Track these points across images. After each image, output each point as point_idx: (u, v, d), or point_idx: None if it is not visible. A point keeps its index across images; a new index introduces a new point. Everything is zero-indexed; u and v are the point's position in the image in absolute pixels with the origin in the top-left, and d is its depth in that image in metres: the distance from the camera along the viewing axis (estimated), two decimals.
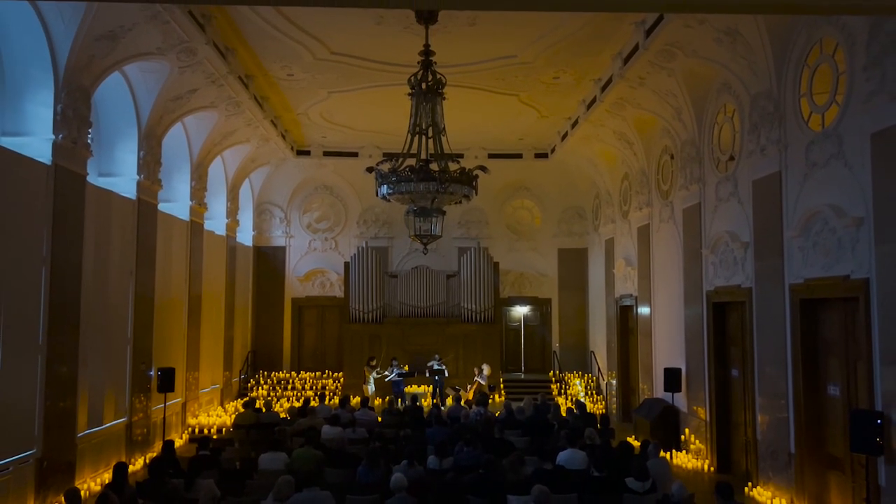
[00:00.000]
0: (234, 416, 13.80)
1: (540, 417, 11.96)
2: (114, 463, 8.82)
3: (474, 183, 10.16)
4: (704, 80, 11.77)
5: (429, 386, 17.97)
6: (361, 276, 19.60)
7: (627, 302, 16.70)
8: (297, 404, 15.04)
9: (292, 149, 19.27)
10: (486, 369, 17.60)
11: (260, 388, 19.58)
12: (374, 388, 17.32)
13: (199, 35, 10.82)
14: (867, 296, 7.78)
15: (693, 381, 12.65)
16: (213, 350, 17.03)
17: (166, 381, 12.57)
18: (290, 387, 19.64)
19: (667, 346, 14.10)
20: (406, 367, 17.61)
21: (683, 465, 12.18)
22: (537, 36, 11.93)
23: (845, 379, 8.54)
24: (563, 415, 12.44)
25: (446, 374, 17.59)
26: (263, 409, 12.73)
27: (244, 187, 19.63)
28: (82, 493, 8.61)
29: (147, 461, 11.73)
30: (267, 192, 21.13)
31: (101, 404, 11.26)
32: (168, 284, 13.90)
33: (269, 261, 21.27)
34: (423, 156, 10.16)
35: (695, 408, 12.60)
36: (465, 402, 14.08)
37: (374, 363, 17.65)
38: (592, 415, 12.50)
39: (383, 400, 16.92)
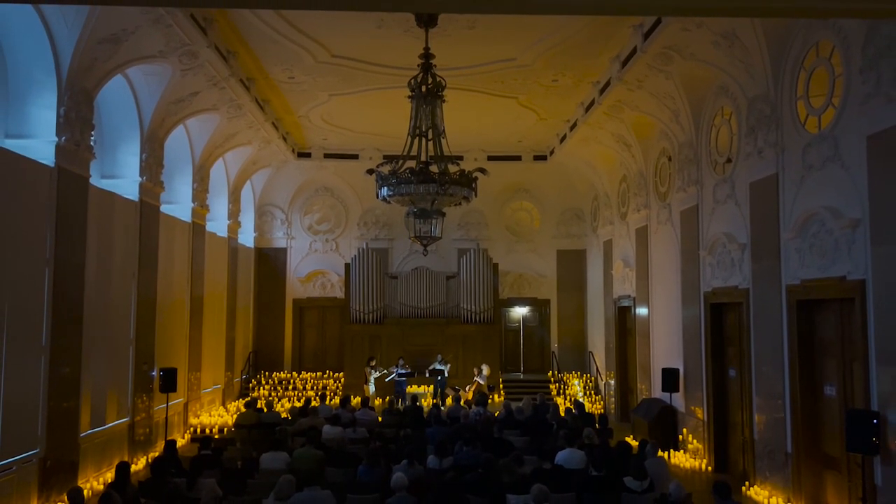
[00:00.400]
0: (235, 416, 13.88)
1: (539, 417, 12.03)
2: (116, 462, 8.93)
3: (474, 185, 10.24)
4: (702, 83, 11.85)
5: (429, 386, 18.05)
6: (362, 277, 19.69)
7: (625, 303, 16.78)
8: (298, 404, 15.13)
9: (293, 151, 19.35)
10: (485, 370, 17.69)
11: (261, 388, 19.65)
12: (374, 389, 17.40)
13: (200, 38, 10.90)
14: (863, 297, 7.85)
15: (691, 381, 12.72)
16: (214, 350, 17.11)
17: (168, 382, 12.64)
18: (291, 387, 19.71)
19: (665, 347, 14.17)
20: (407, 367, 17.68)
21: (681, 465, 12.25)
22: (536, 39, 12.01)
23: (841, 379, 8.61)
24: (562, 415, 12.51)
25: (446, 375, 17.67)
26: (265, 409, 12.82)
27: (245, 189, 19.71)
28: (85, 492, 8.69)
29: (149, 461, 11.81)
30: (268, 193, 21.22)
31: (103, 404, 11.32)
32: (170, 285, 13.98)
33: (270, 262, 21.36)
34: (422, 158, 10.23)
35: (692, 408, 12.68)
36: (465, 402, 14.16)
37: (373, 363, 17.73)
38: (591, 415, 12.59)
39: (383, 400, 17.00)
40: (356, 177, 19.77)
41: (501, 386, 19.35)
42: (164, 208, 13.56)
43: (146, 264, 12.69)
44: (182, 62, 11.45)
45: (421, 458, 8.70)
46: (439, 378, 17.34)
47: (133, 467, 11.29)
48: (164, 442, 10.88)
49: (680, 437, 13.18)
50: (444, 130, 10.46)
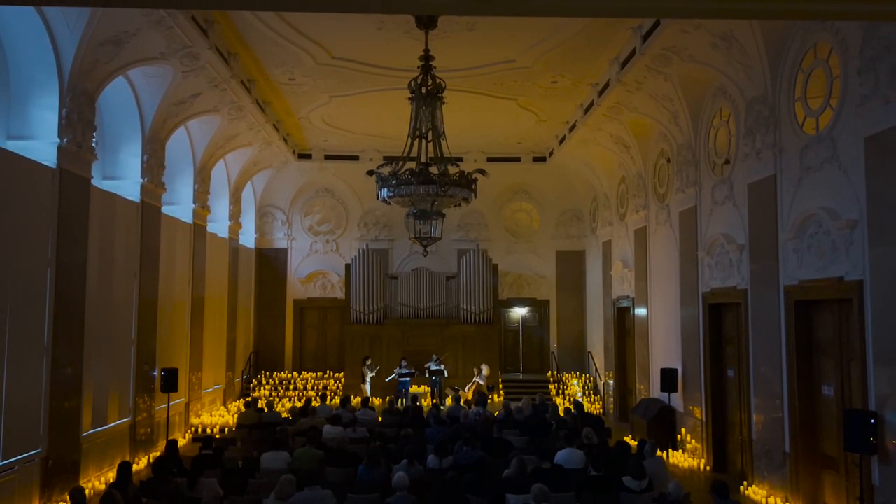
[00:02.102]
0: (236, 416, 13.93)
1: (538, 417, 12.08)
2: (118, 462, 8.95)
3: (473, 186, 10.29)
4: (700, 85, 11.89)
5: (428, 386, 18.11)
6: (362, 277, 19.73)
7: (624, 303, 16.82)
8: (298, 404, 15.19)
9: (294, 152, 19.41)
10: (485, 370, 17.74)
11: (262, 388, 19.70)
12: (370, 388, 17.44)
13: (201, 40, 10.95)
14: (861, 297, 7.89)
15: (689, 381, 12.77)
16: (215, 351, 17.16)
17: (170, 382, 12.67)
18: (291, 387, 19.76)
19: (663, 347, 14.22)
20: (411, 367, 17.71)
21: (680, 465, 12.29)
22: (535, 41, 12.05)
23: (839, 379, 8.65)
24: (561, 415, 12.56)
25: (445, 375, 17.72)
26: (265, 409, 12.86)
27: (246, 190, 19.76)
28: (87, 492, 8.74)
29: (151, 460, 11.86)
30: (269, 194, 21.28)
31: (105, 404, 11.37)
32: (171, 286, 14.02)
33: (271, 263, 21.41)
34: (422, 159, 10.28)
35: (691, 408, 12.72)
36: (465, 402, 14.20)
37: (369, 362, 17.78)
38: (590, 414, 12.64)
39: (383, 400, 17.05)
40: (356, 178, 19.83)
41: (501, 386, 19.40)
42: (165, 209, 13.61)
43: (147, 265, 12.74)
44: (183, 64, 11.50)
45: (421, 458, 8.74)
46: (435, 378, 17.39)
47: (134, 467, 11.35)
48: (165, 442, 10.94)
49: (678, 436, 13.22)
50: (443, 132, 10.51)
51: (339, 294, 21.04)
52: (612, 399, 17.83)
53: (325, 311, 21.45)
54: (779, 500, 9.53)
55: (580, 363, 21.07)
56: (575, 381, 20.06)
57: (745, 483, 10.49)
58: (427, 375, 17.63)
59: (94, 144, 10.42)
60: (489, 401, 14.79)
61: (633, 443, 11.67)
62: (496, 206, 21.63)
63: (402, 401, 16.15)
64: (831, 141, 8.54)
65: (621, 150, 15.79)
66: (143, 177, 12.36)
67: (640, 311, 15.52)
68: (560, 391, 19.56)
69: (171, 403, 13.30)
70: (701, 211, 12.35)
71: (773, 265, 9.83)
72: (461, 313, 19.77)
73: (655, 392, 14.22)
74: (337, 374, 20.31)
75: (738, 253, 10.92)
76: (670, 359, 13.68)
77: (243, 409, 13.26)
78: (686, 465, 12.24)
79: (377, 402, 17.09)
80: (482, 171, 10.51)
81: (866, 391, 7.82)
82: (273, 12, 10.89)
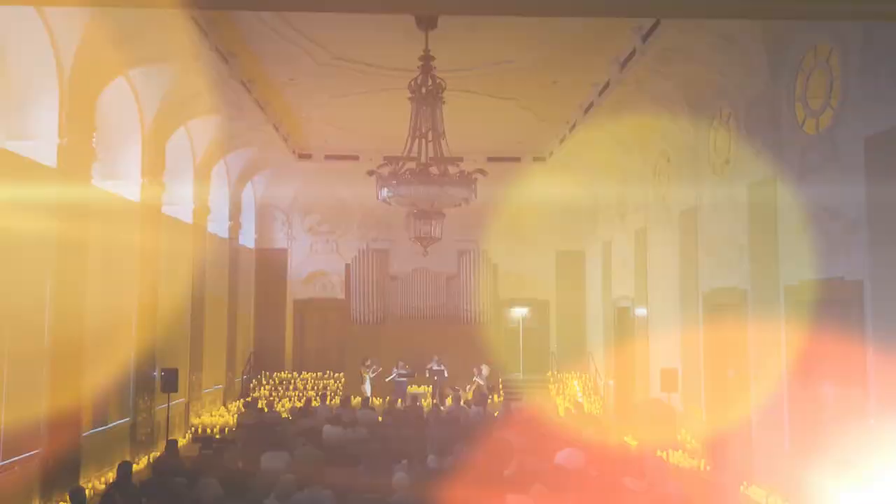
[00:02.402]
0: (236, 416, 13.93)
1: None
2: (118, 462, 8.94)
3: (473, 186, 10.29)
4: (701, 85, 11.88)
5: (429, 386, 18.12)
6: (362, 277, 19.75)
7: (624, 303, 16.82)
8: (298, 404, 15.18)
9: (294, 152, 19.37)
10: (484, 370, 17.75)
11: (262, 388, 19.69)
12: (370, 389, 17.43)
13: (202, 40, 10.94)
14: (861, 297, 7.90)
15: (689, 381, 12.76)
16: (215, 351, 17.16)
17: (170, 382, 12.66)
18: (291, 387, 19.76)
19: (663, 347, 14.21)
20: (408, 368, 17.72)
21: (680, 465, 12.28)
22: (535, 41, 12.04)
23: (839, 379, 8.65)
24: (562, 414, 12.55)
25: (446, 375, 17.71)
26: (265, 410, 12.87)
27: (246, 190, 19.75)
28: (87, 492, 8.74)
29: (151, 461, 11.85)
30: (269, 194, 21.26)
31: (105, 404, 11.37)
32: (171, 286, 14.00)
33: (271, 263, 21.39)
34: (423, 159, 10.29)
35: (691, 407, 12.71)
36: (465, 403, 14.20)
37: (368, 363, 17.77)
38: (590, 415, 12.62)
39: (383, 400, 17.05)
40: (357, 178, 19.78)
41: (501, 386, 19.39)
42: (165, 209, 13.61)
43: (147, 265, 12.73)
44: (183, 64, 11.49)
45: (421, 458, 8.74)
46: (436, 378, 17.38)
47: (134, 467, 11.32)
48: (165, 442, 10.93)
49: (678, 436, 13.21)
50: (443, 132, 10.50)
51: (339, 294, 21.04)
52: (612, 399, 17.83)
53: (325, 311, 21.44)
54: (779, 500, 9.52)
55: (580, 363, 21.04)
56: (575, 381, 20.06)
57: (745, 483, 10.48)
58: (428, 376, 17.62)
59: (94, 144, 10.42)
60: (489, 401, 14.78)
61: (634, 443, 11.67)
62: (496, 206, 21.58)
63: (401, 401, 16.16)
64: (831, 141, 8.54)
65: (621, 150, 15.77)
66: (143, 177, 12.37)
67: (640, 311, 15.52)
68: (560, 391, 19.55)
69: (171, 403, 13.28)
70: (701, 211, 12.35)
71: (773, 265, 9.82)
72: (461, 313, 19.76)
73: (655, 392, 14.21)
74: (337, 374, 20.29)
75: (738, 253, 10.92)
76: (670, 359, 13.67)
77: (243, 409, 13.26)
78: (686, 465, 12.23)
79: (377, 402, 17.09)
80: (482, 171, 10.51)
81: (866, 391, 7.82)
82: (273, 12, 10.88)
